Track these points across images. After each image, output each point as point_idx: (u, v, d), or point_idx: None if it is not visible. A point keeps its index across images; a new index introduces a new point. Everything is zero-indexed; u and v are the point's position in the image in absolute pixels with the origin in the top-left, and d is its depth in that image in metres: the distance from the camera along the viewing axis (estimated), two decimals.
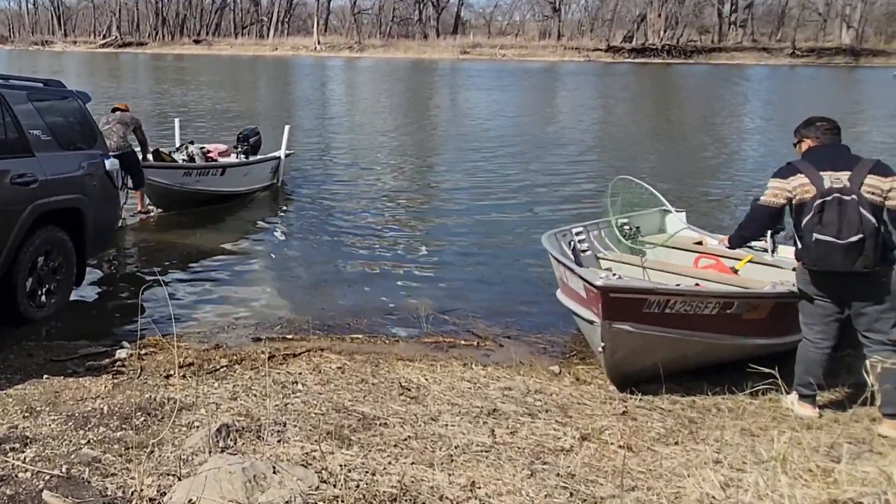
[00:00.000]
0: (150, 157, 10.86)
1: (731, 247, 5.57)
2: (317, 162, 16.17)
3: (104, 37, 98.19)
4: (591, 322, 5.19)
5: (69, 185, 6.47)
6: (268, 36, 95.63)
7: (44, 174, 6.11)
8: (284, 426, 4.14)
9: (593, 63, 64.07)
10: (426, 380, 5.35)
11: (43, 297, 6.44)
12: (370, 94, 36.09)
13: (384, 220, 11.16)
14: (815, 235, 4.52)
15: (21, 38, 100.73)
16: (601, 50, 73.82)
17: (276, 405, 4.60)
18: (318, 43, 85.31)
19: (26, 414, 4.42)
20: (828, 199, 4.51)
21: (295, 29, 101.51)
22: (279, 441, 3.88)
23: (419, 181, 14.63)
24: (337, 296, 7.89)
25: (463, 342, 6.54)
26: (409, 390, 5.12)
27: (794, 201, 4.74)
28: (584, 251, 7.12)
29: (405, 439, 4.07)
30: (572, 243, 7.07)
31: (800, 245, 4.74)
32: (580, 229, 7.30)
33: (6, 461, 3.60)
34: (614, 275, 5.41)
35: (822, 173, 4.62)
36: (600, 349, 5.18)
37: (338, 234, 10.35)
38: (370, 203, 12.28)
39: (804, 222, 4.60)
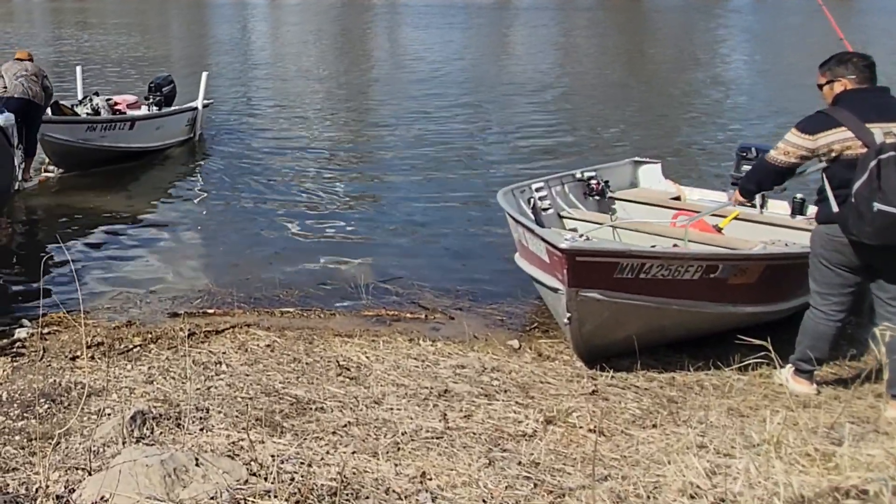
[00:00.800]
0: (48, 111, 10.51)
1: (743, 201, 5.17)
2: (239, 113, 15.83)
3: None
4: (556, 290, 5.04)
5: None
6: None
7: None
8: (207, 412, 4.11)
9: None
10: (367, 358, 5.31)
11: None
12: (298, 35, 35.21)
13: (317, 180, 10.95)
14: (877, 205, 4.04)
15: None
16: None
17: (198, 389, 4.57)
18: None
19: None
20: (883, 157, 4.07)
21: None
22: (202, 429, 3.84)
23: (357, 135, 14.37)
24: (264, 265, 7.74)
25: (409, 315, 6.47)
26: (349, 370, 5.08)
27: (827, 157, 4.39)
28: (545, 209, 6.93)
29: (345, 425, 4.04)
30: (532, 200, 6.87)
31: (836, 208, 4.38)
32: (541, 184, 7.05)
33: None
34: (581, 236, 5.17)
35: (869, 125, 4.25)
36: (566, 321, 5.04)
37: (264, 196, 10.16)
38: (301, 160, 12.06)
39: (857, 186, 4.15)
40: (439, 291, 7.00)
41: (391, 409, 4.35)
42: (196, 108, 12.86)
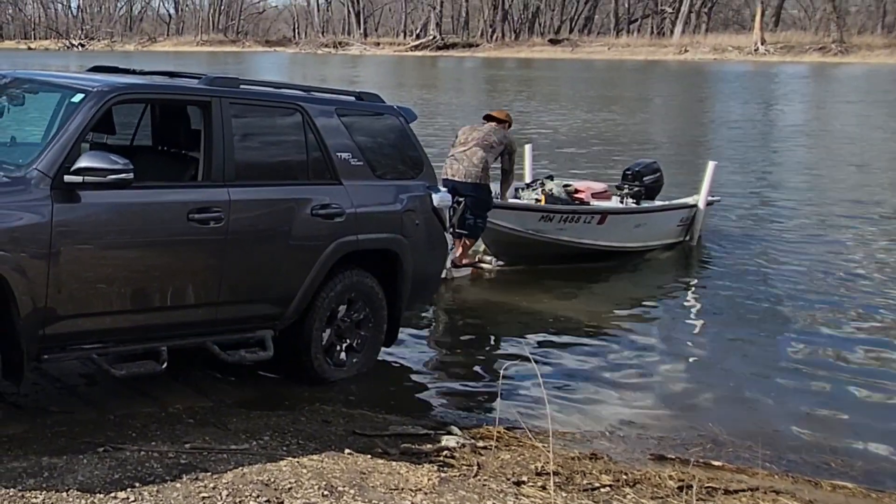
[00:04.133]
0: (508, 195, 12.07)
1: None
2: (757, 216, 16.48)
3: (418, 36, 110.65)
4: None
5: (384, 221, 7.67)
6: (671, 33, 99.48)
7: (352, 206, 7.37)
8: None
9: None
10: None
11: (342, 355, 7.66)
12: (856, 115, 35.48)
13: (869, 312, 11.03)
14: None
15: (308, 40, 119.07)
16: None
17: None
18: (762, 42, 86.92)
19: (325, 492, 5.22)
20: None
21: (718, 23, 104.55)
22: None
23: None
24: (799, 418, 7.86)
25: None
26: None
27: None
28: None
29: None
30: None
31: None
32: None
33: None
34: None
35: None
36: None
37: (791, 325, 10.45)
38: (845, 284, 12.26)
39: None
40: None
41: None
42: (695, 206, 13.73)
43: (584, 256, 12.47)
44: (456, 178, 11.28)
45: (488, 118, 11.99)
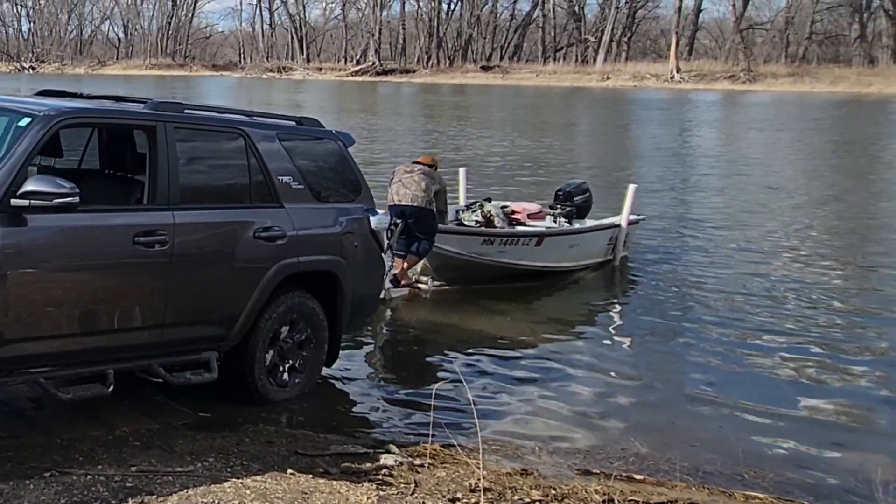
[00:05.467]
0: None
1: None
2: (675, 235, 16.67)
3: (358, 62, 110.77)
4: None
5: (324, 243, 7.62)
6: (594, 61, 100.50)
7: (294, 229, 7.31)
8: None
9: None
10: None
11: (285, 375, 7.53)
12: (763, 141, 36.07)
13: (779, 325, 11.17)
14: None
15: (253, 64, 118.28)
16: None
17: None
18: (677, 70, 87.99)
19: None
20: None
21: (637, 52, 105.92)
22: None
23: (850, 274, 14.39)
24: (713, 430, 7.97)
25: None
26: None
27: None
28: None
29: None
30: None
31: None
32: None
33: None
34: None
35: None
36: None
37: (706, 338, 10.53)
38: (755, 298, 12.40)
39: None
40: None
41: None
42: (618, 226, 13.84)
43: (518, 277, 12.47)
44: (403, 203, 11.37)
45: (416, 164, 12.02)
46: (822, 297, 12.35)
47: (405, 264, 11.68)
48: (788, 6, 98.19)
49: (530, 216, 13.28)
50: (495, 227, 12.59)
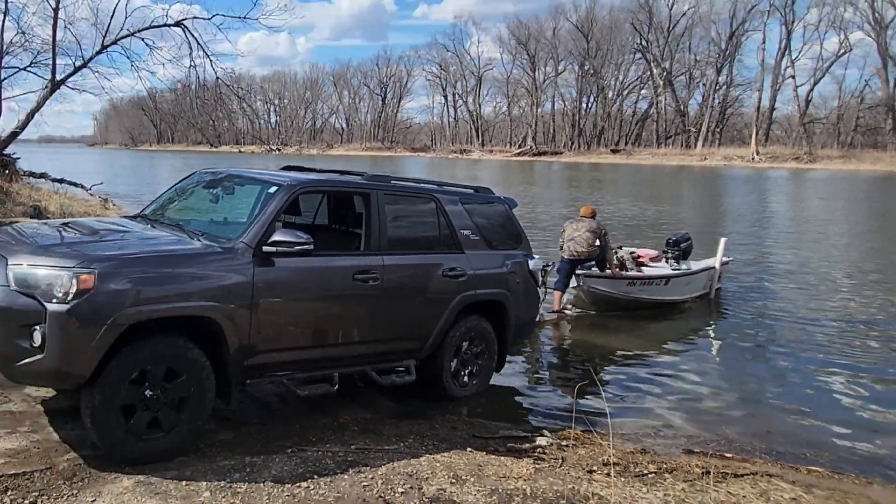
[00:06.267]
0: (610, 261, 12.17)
1: None
2: (755, 276, 16.16)
3: (519, 146, 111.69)
4: None
5: (494, 280, 7.57)
6: (695, 146, 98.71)
7: (472, 269, 7.31)
8: None
9: None
10: None
11: (465, 378, 7.54)
12: (822, 206, 34.78)
13: (838, 344, 10.76)
14: None
15: (441, 147, 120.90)
16: None
17: None
18: (756, 153, 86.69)
19: (453, 480, 5.24)
20: None
21: (727, 139, 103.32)
22: None
23: (886, 305, 13.70)
24: (784, 420, 7.84)
25: None
26: None
27: None
28: None
29: None
30: None
31: None
32: None
33: None
34: None
35: None
36: None
37: (781, 353, 10.29)
38: (819, 322, 12.00)
39: None
40: None
41: None
42: (713, 267, 13.56)
43: (643, 306, 12.31)
44: (575, 257, 11.89)
45: (582, 218, 12.13)
46: (874, 326, 11.73)
47: (560, 296, 11.84)
48: (839, 106, 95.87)
49: (652, 259, 13.16)
50: (627, 269, 12.49)
